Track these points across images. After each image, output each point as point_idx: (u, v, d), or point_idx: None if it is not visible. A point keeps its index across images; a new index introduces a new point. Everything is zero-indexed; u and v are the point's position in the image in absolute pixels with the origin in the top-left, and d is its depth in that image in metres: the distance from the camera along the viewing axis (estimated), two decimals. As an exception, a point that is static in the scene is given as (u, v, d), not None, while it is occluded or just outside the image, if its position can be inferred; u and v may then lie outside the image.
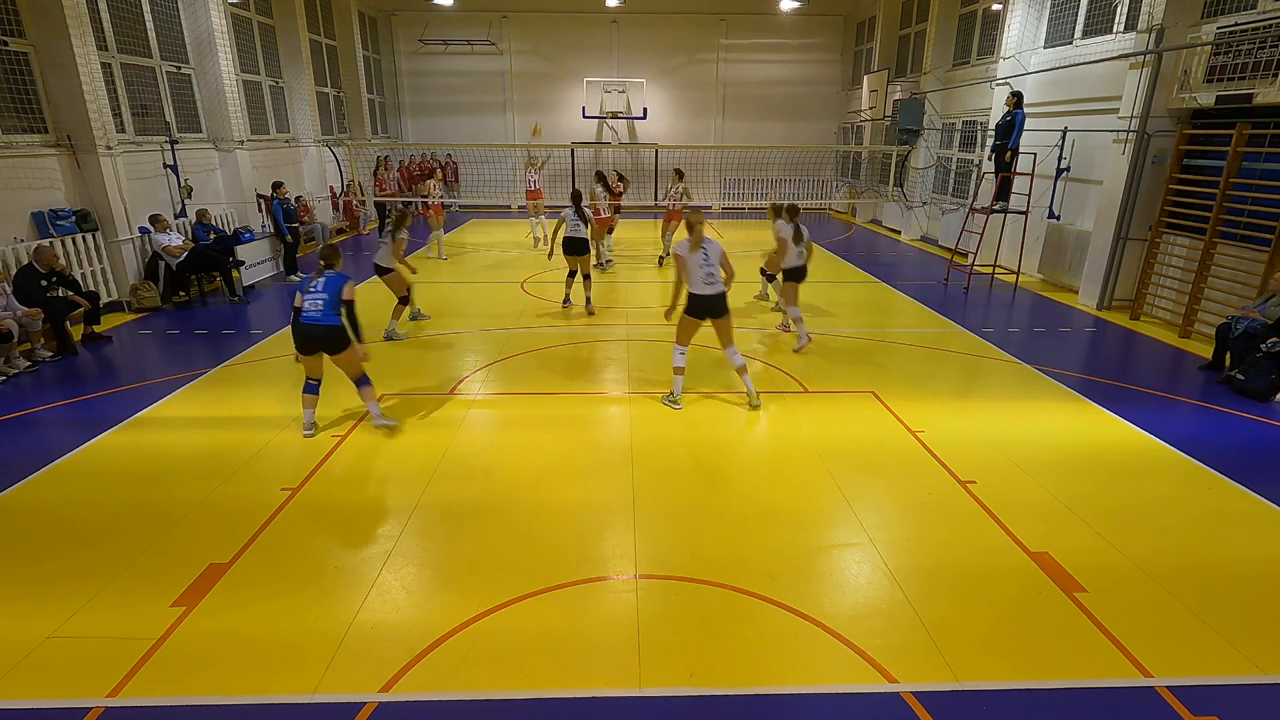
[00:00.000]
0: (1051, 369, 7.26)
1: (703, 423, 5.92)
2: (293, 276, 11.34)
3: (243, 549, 4.03)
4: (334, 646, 3.27)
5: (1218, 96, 8.11)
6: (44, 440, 5.46)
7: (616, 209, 12.96)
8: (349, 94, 18.19)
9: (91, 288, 8.45)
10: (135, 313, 9.12)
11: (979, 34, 14.00)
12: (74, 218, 8.53)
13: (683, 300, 6.11)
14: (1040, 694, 3.06)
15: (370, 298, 8.62)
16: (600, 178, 12.47)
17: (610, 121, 21.08)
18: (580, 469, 5.10)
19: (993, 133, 11.48)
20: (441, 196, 13.71)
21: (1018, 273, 11.20)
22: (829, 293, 10.86)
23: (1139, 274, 9.37)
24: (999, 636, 3.41)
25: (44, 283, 7.33)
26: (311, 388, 5.49)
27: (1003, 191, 11.05)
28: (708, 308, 6.02)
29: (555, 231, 9.18)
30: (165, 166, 10.40)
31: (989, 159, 11.56)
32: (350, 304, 5.26)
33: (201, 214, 10.45)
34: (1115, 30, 9.94)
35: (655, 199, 19.70)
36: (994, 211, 11.10)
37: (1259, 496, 4.76)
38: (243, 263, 10.30)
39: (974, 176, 13.37)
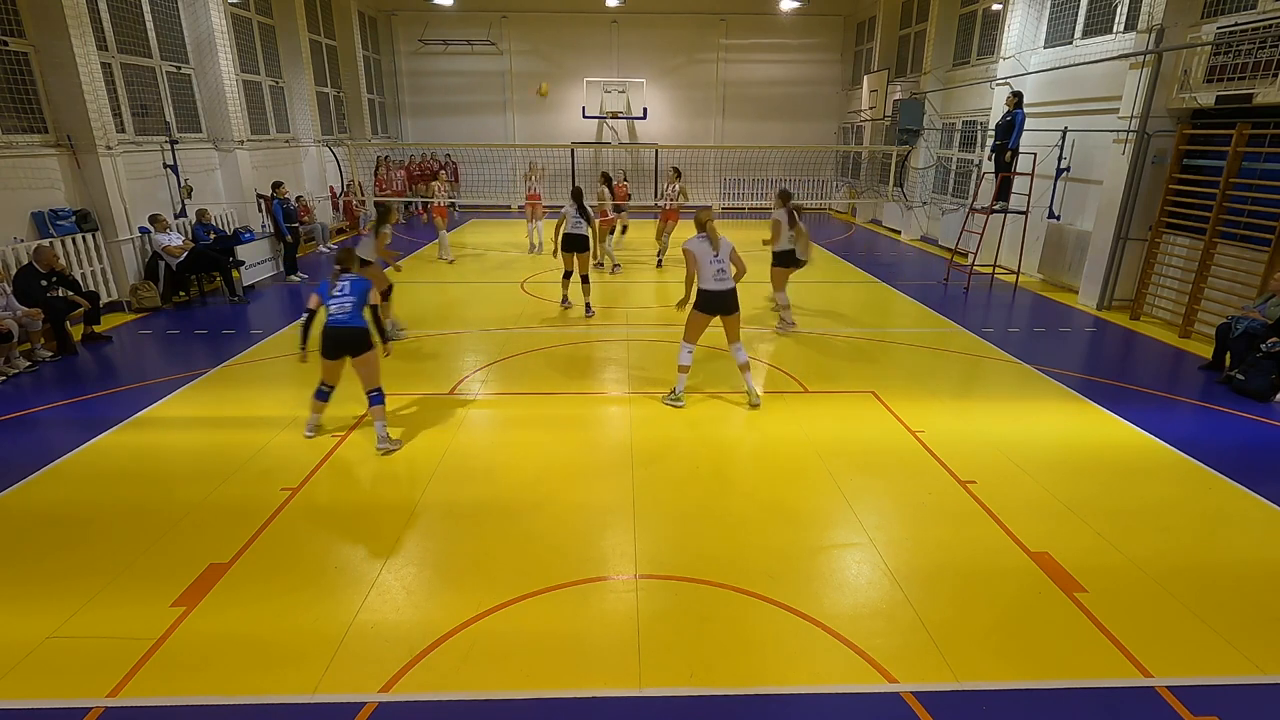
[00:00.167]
0: (1051, 369, 7.26)
1: (703, 423, 5.92)
2: (292, 277, 11.35)
3: (243, 549, 4.03)
4: (334, 646, 3.27)
5: (1218, 96, 8.11)
6: (44, 440, 5.46)
7: (619, 208, 12.94)
8: (349, 94, 18.19)
9: (91, 288, 8.45)
10: (135, 313, 9.12)
11: (979, 34, 14.00)
12: (74, 218, 8.54)
13: (693, 296, 6.13)
14: (1040, 694, 3.06)
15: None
16: (605, 178, 12.38)
17: (610, 121, 21.08)
18: (580, 469, 5.10)
19: (993, 133, 11.49)
20: (449, 198, 13.56)
21: (1018, 273, 11.20)
22: (829, 293, 10.86)
23: (1139, 274, 9.37)
24: (999, 636, 3.41)
25: (44, 283, 7.33)
26: (323, 394, 5.43)
27: (1003, 191, 11.05)
28: (718, 304, 6.02)
29: (557, 229, 9.00)
30: (165, 166, 10.40)
31: (989, 159, 11.56)
32: (375, 307, 5.31)
33: (201, 214, 10.45)
34: (1115, 30, 9.94)
35: (655, 198, 19.70)
36: (994, 211, 11.10)
37: (1259, 496, 4.76)
38: (243, 263, 10.30)
39: (974, 176, 13.37)
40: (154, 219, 9.38)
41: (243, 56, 12.89)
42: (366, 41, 19.24)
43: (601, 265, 12.09)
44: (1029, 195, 10.86)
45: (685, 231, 6.76)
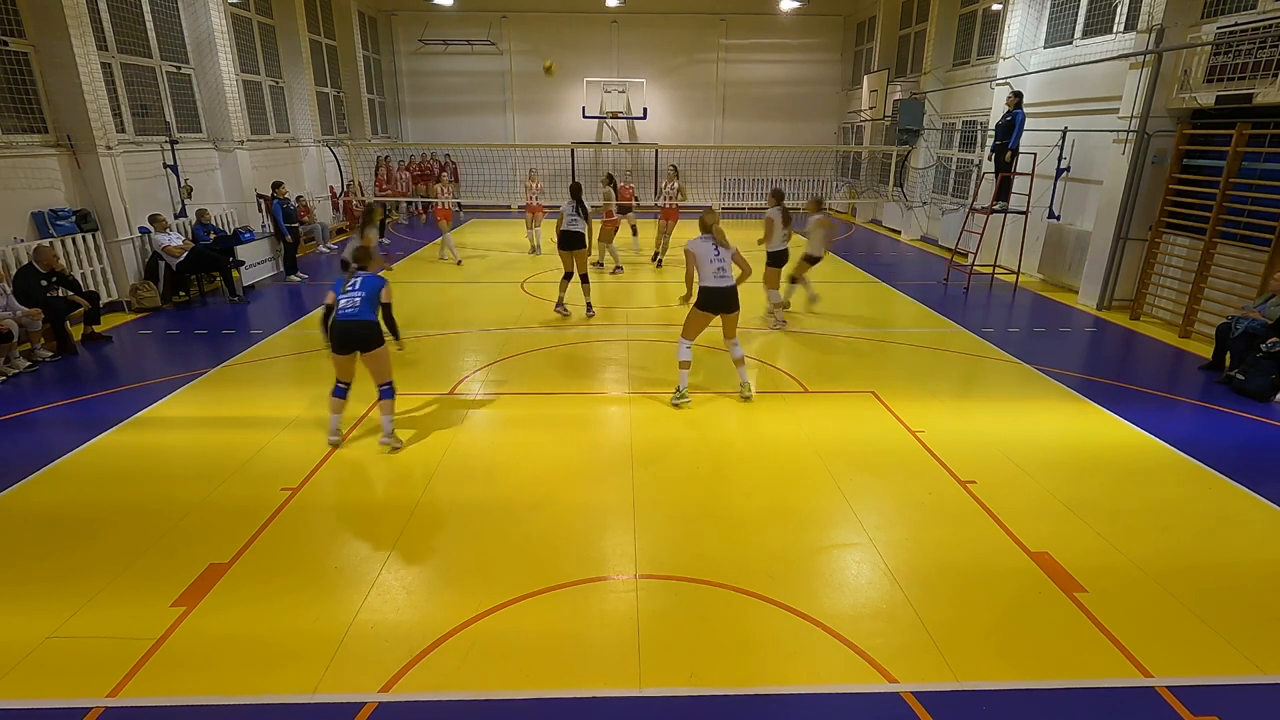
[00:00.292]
0: (1051, 369, 7.26)
1: (703, 423, 5.92)
2: (292, 277, 11.35)
3: (243, 549, 4.03)
4: (334, 646, 3.27)
5: (1218, 96, 8.11)
6: (44, 440, 5.46)
7: (625, 209, 12.90)
8: (349, 94, 18.19)
9: (91, 288, 8.45)
10: (135, 313, 9.12)
11: (979, 34, 14.00)
12: (74, 218, 8.54)
13: (694, 293, 6.16)
14: (1040, 694, 3.06)
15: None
16: (609, 179, 12.25)
17: (610, 121, 21.08)
18: (580, 469, 5.10)
19: (993, 133, 11.49)
20: (454, 199, 13.28)
21: (1018, 273, 11.20)
22: (829, 293, 10.85)
23: (1139, 274, 9.37)
24: (999, 636, 3.41)
25: (44, 283, 7.33)
26: (340, 391, 5.33)
27: (1003, 191, 11.05)
28: (718, 302, 6.06)
29: (557, 228, 8.86)
30: (165, 166, 10.41)
31: (989, 159, 11.57)
32: (388, 306, 5.27)
33: (201, 214, 10.45)
34: (1115, 30, 9.94)
35: (655, 197, 19.70)
36: (994, 211, 11.10)
37: (1259, 496, 4.76)
38: (243, 263, 10.30)
39: (974, 176, 13.37)
40: (154, 219, 9.38)
41: (243, 56, 12.89)
42: (366, 41, 19.24)
43: (601, 265, 12.07)
44: (1029, 195, 10.86)
45: (685, 231, 6.75)
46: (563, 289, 8.93)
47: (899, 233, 16.92)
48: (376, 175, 16.83)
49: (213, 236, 10.35)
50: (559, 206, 8.96)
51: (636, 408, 6.17)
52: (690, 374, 6.33)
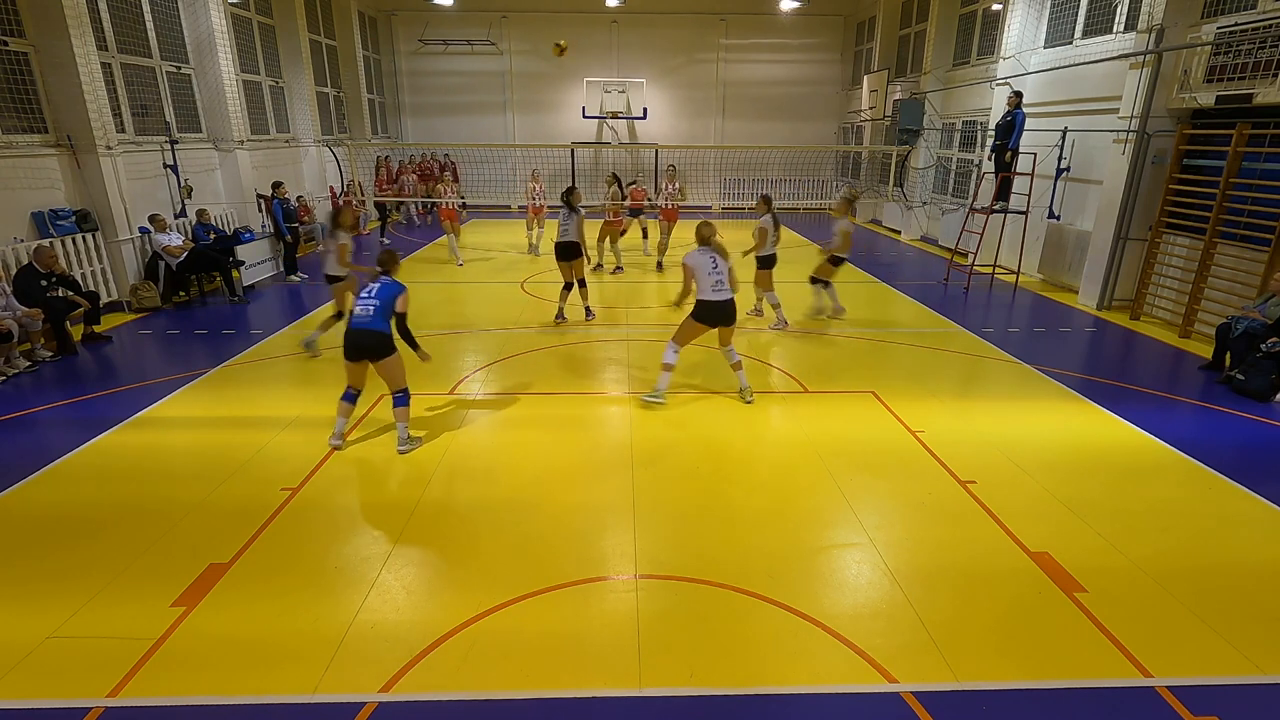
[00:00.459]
0: (1051, 369, 7.26)
1: (703, 423, 5.92)
2: (292, 277, 11.35)
3: (243, 549, 4.03)
4: (334, 646, 3.27)
5: (1218, 96, 8.11)
6: (44, 440, 5.46)
7: (636, 211, 12.87)
8: (349, 94, 18.19)
9: (91, 288, 8.45)
10: (135, 313, 9.12)
11: (979, 34, 14.00)
12: (74, 218, 8.53)
13: (689, 303, 6.13)
14: (1040, 694, 3.06)
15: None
16: (615, 179, 12.14)
17: (610, 121, 21.08)
18: (580, 469, 5.10)
19: (993, 133, 11.49)
20: (459, 199, 12.82)
21: (1018, 273, 11.20)
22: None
23: (1139, 274, 9.37)
24: (999, 636, 3.41)
25: (44, 283, 7.33)
26: (349, 396, 5.33)
27: (1003, 191, 11.05)
28: (716, 315, 6.02)
29: (554, 238, 8.83)
30: (165, 166, 10.40)
31: (989, 159, 11.57)
32: (402, 316, 5.15)
33: (201, 214, 10.45)
34: (1115, 30, 9.94)
35: (654, 196, 19.72)
36: (994, 211, 11.10)
37: (1259, 496, 4.76)
38: (243, 263, 10.30)
39: (974, 176, 13.38)
40: (154, 219, 9.38)
41: (243, 56, 12.88)
42: (366, 41, 19.24)
43: (602, 266, 12.03)
44: (1029, 195, 10.86)
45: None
46: (562, 299, 8.80)
47: (899, 233, 16.93)
48: (377, 175, 16.81)
49: (213, 236, 10.35)
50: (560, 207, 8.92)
51: (636, 408, 6.17)
52: (689, 375, 6.33)
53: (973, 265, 11.24)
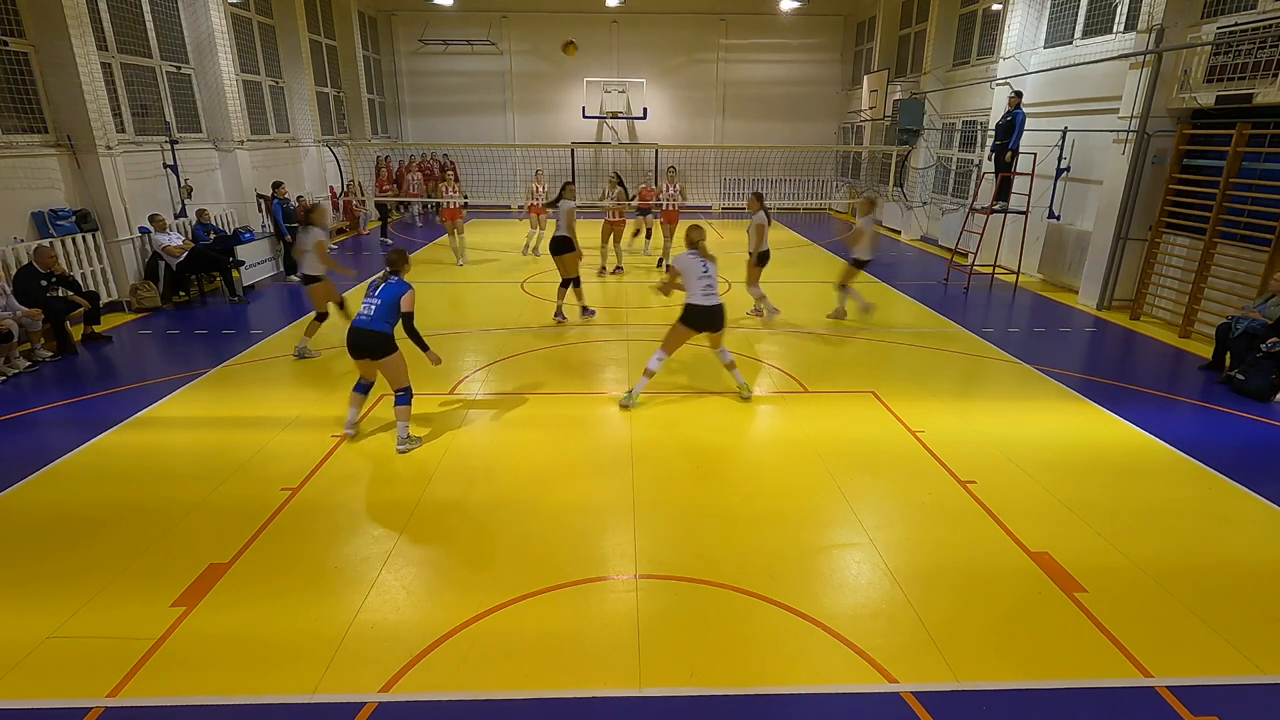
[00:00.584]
0: (1051, 369, 7.26)
1: (703, 423, 5.92)
2: (292, 277, 11.32)
3: (243, 549, 4.03)
4: (334, 646, 3.27)
5: (1218, 96, 8.11)
6: (44, 440, 5.46)
7: (645, 211, 12.85)
8: (349, 94, 18.19)
9: (91, 288, 8.45)
10: (135, 313, 9.12)
11: (979, 34, 14.00)
12: (74, 218, 8.53)
13: (677, 298, 6.11)
14: (1040, 694, 3.06)
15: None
16: (618, 180, 12.08)
17: (610, 121, 21.08)
18: (580, 469, 5.10)
19: (993, 133, 11.49)
20: (463, 198, 12.64)
21: (1018, 273, 11.20)
22: (830, 293, 10.85)
23: (1139, 274, 9.37)
24: (999, 636, 3.41)
25: (44, 283, 7.33)
26: (361, 387, 5.46)
27: (1003, 191, 11.05)
28: (705, 320, 5.97)
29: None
30: (165, 166, 10.40)
31: (989, 159, 11.57)
32: (409, 316, 5.16)
33: (201, 214, 10.45)
34: (1115, 30, 9.95)
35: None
36: (994, 211, 11.10)
37: (1259, 496, 4.76)
38: (243, 263, 10.30)
39: (974, 176, 13.38)
40: (154, 219, 9.38)
41: (243, 56, 12.89)
42: (366, 41, 19.24)
43: (605, 269, 11.98)
44: (1029, 195, 10.86)
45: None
46: (560, 297, 8.80)
47: (899, 233, 16.92)
48: (379, 176, 16.81)
49: (213, 236, 10.35)
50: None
51: (636, 408, 6.16)
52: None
53: (973, 265, 11.24)
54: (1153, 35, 8.65)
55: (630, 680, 3.10)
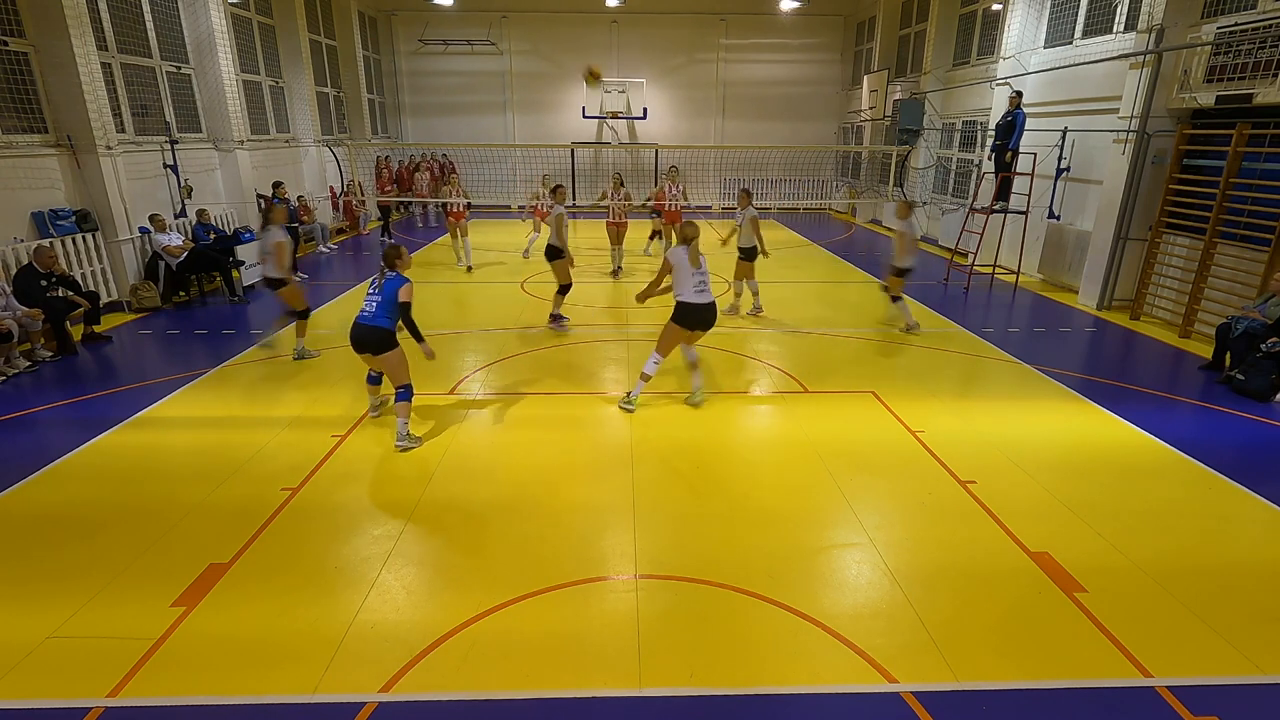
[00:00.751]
0: (1051, 369, 7.26)
1: (703, 423, 5.92)
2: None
3: (243, 549, 4.03)
4: (334, 646, 3.27)
5: (1218, 96, 8.11)
6: (44, 440, 5.46)
7: (657, 212, 12.83)
8: (349, 94, 18.19)
9: (91, 288, 8.45)
10: (135, 313, 9.12)
11: (979, 34, 14.01)
12: (74, 218, 8.53)
13: (663, 293, 6.07)
14: (1040, 694, 3.06)
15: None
16: (620, 181, 12.06)
17: (610, 121, 21.07)
18: (581, 469, 5.10)
19: (993, 133, 11.49)
20: (466, 199, 12.47)
21: (1018, 273, 11.20)
22: (829, 293, 10.87)
23: (1139, 274, 9.37)
24: (999, 636, 3.41)
25: (44, 283, 7.33)
26: (373, 379, 5.76)
27: (1003, 191, 11.05)
28: (701, 318, 5.89)
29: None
30: (165, 166, 10.41)
31: (989, 159, 11.57)
32: (406, 306, 5.24)
33: (201, 214, 10.45)
34: (1115, 30, 9.95)
35: (647, 201, 19.73)
36: (994, 211, 11.10)
37: (1259, 496, 4.76)
38: (243, 263, 10.29)
39: (974, 176, 13.38)
40: (154, 219, 9.38)
41: (243, 56, 12.88)
42: (366, 41, 19.24)
43: (619, 270, 11.91)
44: (1029, 195, 10.87)
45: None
46: (556, 304, 8.70)
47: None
48: (379, 176, 16.80)
49: (213, 236, 10.35)
50: (571, 207, 8.91)
51: (636, 408, 6.16)
52: (688, 375, 6.31)
53: (973, 265, 11.24)
54: (1153, 35, 8.65)
55: (630, 680, 3.10)
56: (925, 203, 15.84)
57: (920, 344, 8.12)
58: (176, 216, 10.43)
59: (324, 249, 13.90)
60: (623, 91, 20.35)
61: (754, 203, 9.08)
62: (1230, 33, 7.82)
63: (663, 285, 6.05)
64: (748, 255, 8.95)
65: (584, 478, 4.97)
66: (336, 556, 4.00)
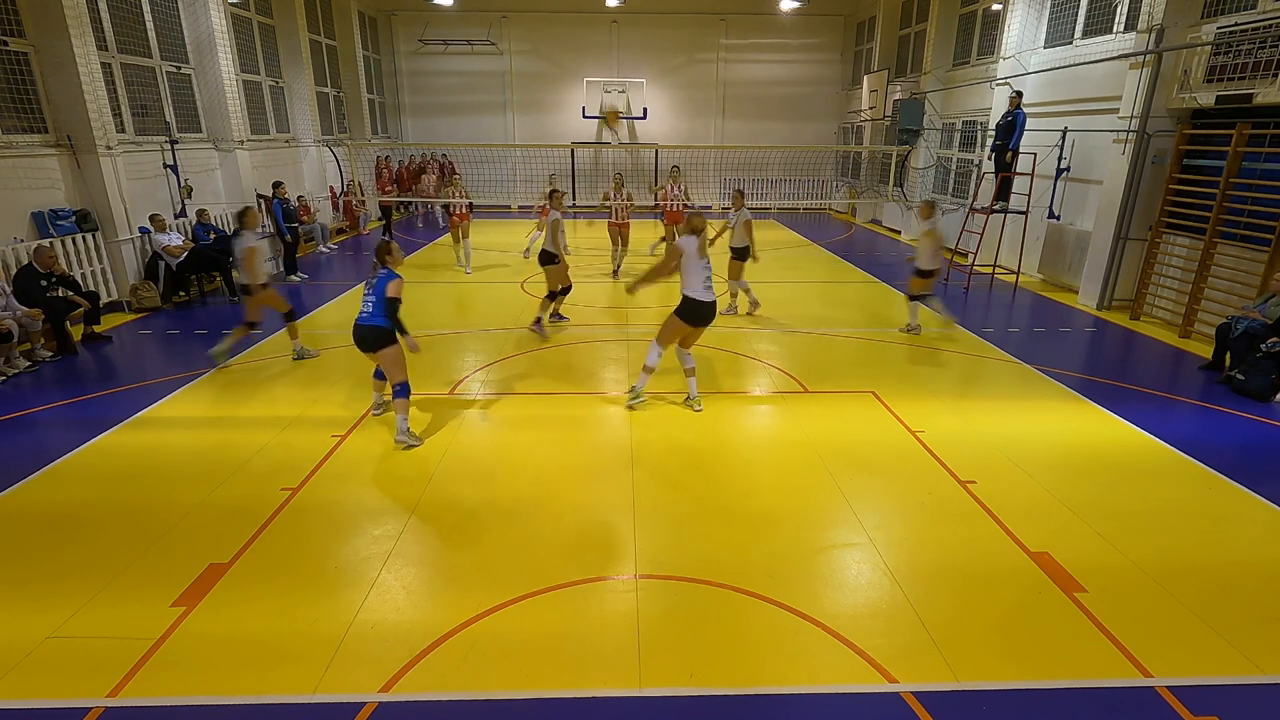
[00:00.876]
0: (1051, 369, 7.26)
1: (703, 423, 5.92)
2: (292, 277, 11.35)
3: (243, 549, 4.03)
4: (334, 646, 3.27)
5: (1218, 96, 8.11)
6: (44, 440, 5.46)
7: (662, 213, 12.82)
8: (349, 94, 18.19)
9: (91, 288, 8.45)
10: (135, 313, 9.12)
11: (979, 34, 14.00)
12: (74, 218, 8.53)
13: (668, 293, 6.06)
14: (1040, 694, 3.06)
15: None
16: (621, 181, 12.04)
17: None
18: (580, 469, 5.10)
19: (993, 133, 11.49)
20: (466, 199, 12.38)
21: (1018, 273, 11.20)
22: (829, 293, 10.87)
23: (1139, 274, 9.37)
24: (999, 636, 3.41)
25: (44, 283, 7.33)
26: (380, 374, 5.83)
27: (1003, 191, 11.05)
28: (705, 315, 5.85)
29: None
30: (165, 166, 10.41)
31: (989, 159, 11.57)
32: (394, 301, 5.28)
33: (201, 214, 10.45)
34: (1115, 30, 9.95)
35: (654, 199, 19.72)
36: (994, 211, 11.10)
37: (1259, 496, 4.76)
38: (243, 263, 10.29)
39: (974, 176, 13.38)
40: (154, 219, 9.38)
41: (243, 56, 12.88)
42: (366, 41, 19.24)
43: (618, 271, 11.89)
44: (1029, 195, 10.87)
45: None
46: (558, 303, 8.70)
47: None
48: (379, 176, 16.79)
49: (213, 236, 10.34)
50: (571, 208, 8.93)
51: (636, 408, 6.16)
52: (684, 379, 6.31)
53: (973, 265, 11.25)
54: (1153, 35, 8.65)
55: (630, 680, 3.10)
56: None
57: (920, 344, 8.12)
58: (176, 216, 10.43)
59: (324, 249, 13.90)
60: (623, 91, 20.36)
61: (751, 203, 9.15)
62: (1230, 33, 7.82)
63: (659, 277, 5.91)
64: (740, 255, 9.06)
65: (584, 478, 4.97)
66: (336, 556, 4.00)
